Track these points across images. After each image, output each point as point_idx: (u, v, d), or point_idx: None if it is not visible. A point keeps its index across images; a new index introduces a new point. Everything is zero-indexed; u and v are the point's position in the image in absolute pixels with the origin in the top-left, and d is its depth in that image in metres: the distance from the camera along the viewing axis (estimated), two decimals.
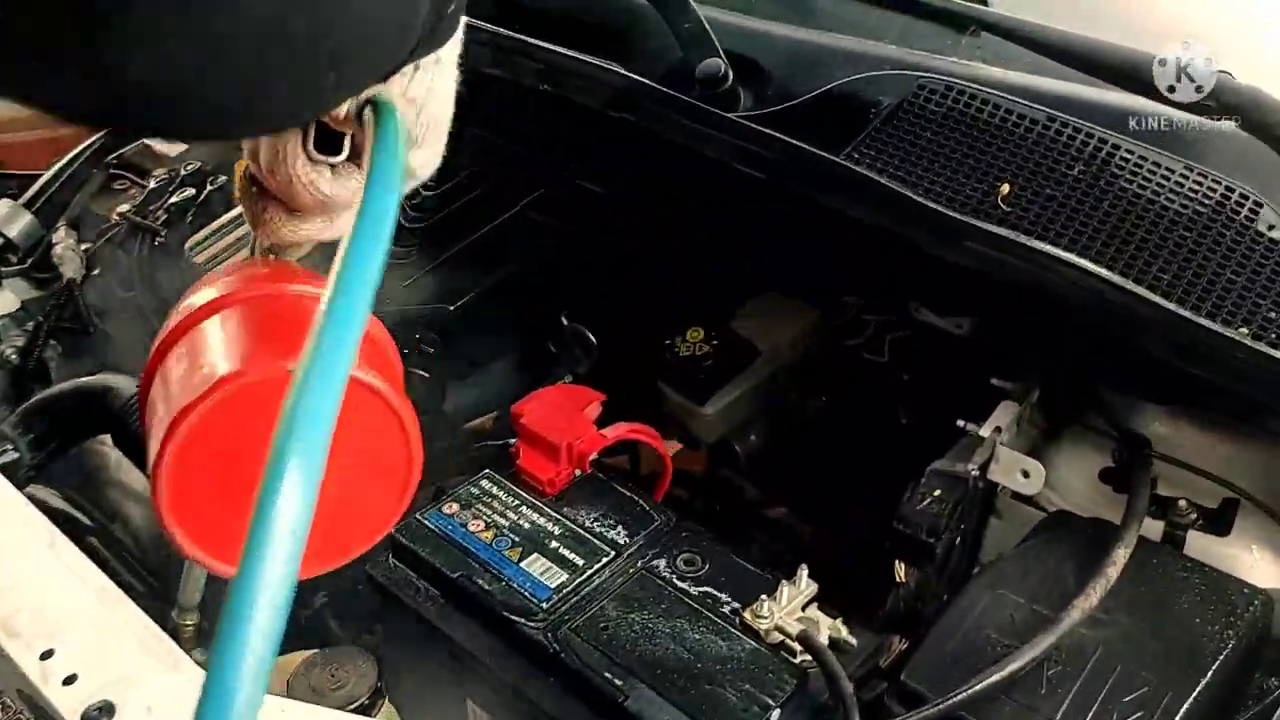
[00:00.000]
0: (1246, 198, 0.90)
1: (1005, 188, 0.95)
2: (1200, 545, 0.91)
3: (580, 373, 1.37)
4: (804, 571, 0.90)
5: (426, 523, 0.99)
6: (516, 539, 0.98)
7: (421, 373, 1.21)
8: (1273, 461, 0.89)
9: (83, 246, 1.58)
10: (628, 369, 1.35)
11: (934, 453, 0.99)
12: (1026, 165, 0.96)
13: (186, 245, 1.48)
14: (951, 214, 0.93)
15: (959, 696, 0.76)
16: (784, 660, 0.86)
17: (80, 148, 1.62)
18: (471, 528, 0.99)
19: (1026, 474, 0.95)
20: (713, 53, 1.14)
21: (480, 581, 0.93)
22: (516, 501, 1.02)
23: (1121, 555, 0.81)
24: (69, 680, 0.77)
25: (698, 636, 0.88)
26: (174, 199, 1.57)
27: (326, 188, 0.55)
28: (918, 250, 0.95)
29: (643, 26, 1.20)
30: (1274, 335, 0.82)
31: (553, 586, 0.93)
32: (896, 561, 0.97)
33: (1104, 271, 0.85)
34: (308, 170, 0.54)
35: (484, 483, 1.05)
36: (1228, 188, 0.90)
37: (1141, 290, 0.84)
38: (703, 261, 1.32)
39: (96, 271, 1.59)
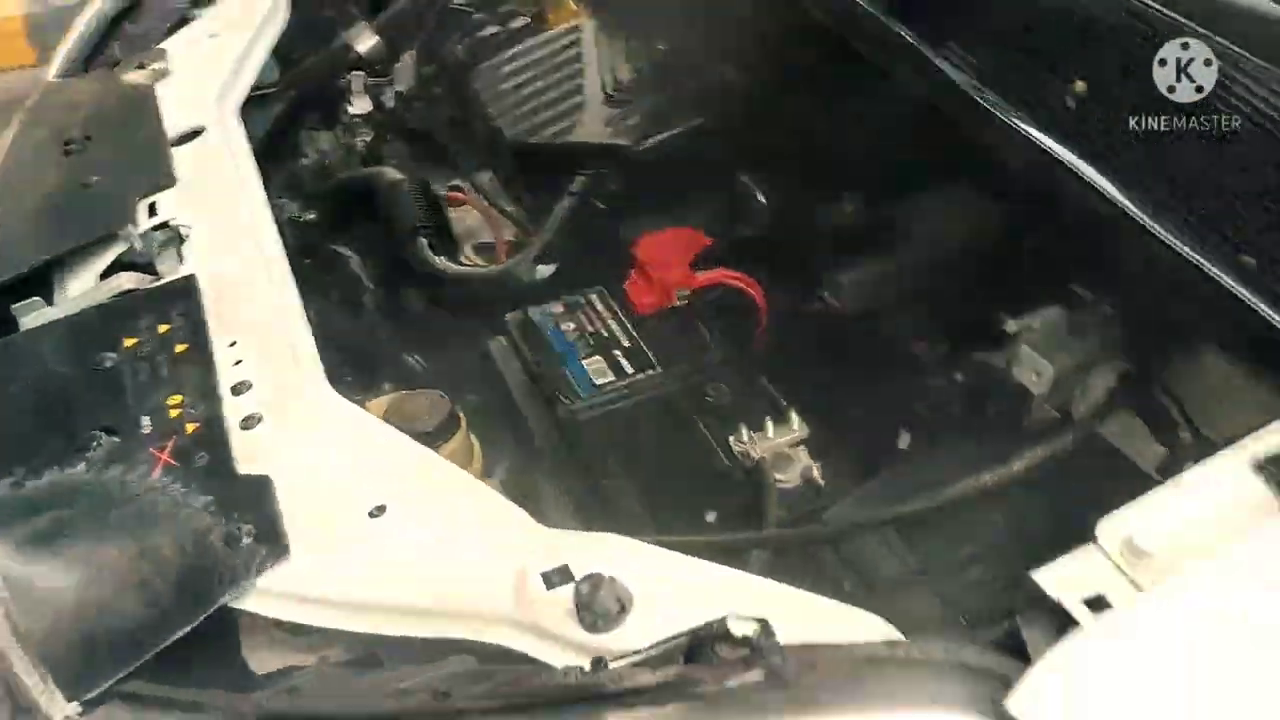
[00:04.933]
0: None
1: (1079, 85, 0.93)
2: None
3: (750, 234, 1.49)
4: (793, 413, 1.01)
5: (533, 316, 1.21)
6: (592, 342, 1.17)
7: (599, 203, 1.40)
8: None
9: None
10: (788, 233, 1.45)
11: None
12: None
13: None
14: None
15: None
16: (744, 481, 0.98)
17: None
18: (563, 326, 1.20)
19: (1038, 374, 0.96)
20: None
21: (546, 366, 1.14)
22: (609, 315, 1.21)
23: (1037, 452, 0.84)
24: None
25: (682, 449, 1.03)
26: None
27: None
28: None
29: None
30: None
31: (597, 383, 1.11)
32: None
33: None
34: None
35: (593, 295, 1.24)
36: None
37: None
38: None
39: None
